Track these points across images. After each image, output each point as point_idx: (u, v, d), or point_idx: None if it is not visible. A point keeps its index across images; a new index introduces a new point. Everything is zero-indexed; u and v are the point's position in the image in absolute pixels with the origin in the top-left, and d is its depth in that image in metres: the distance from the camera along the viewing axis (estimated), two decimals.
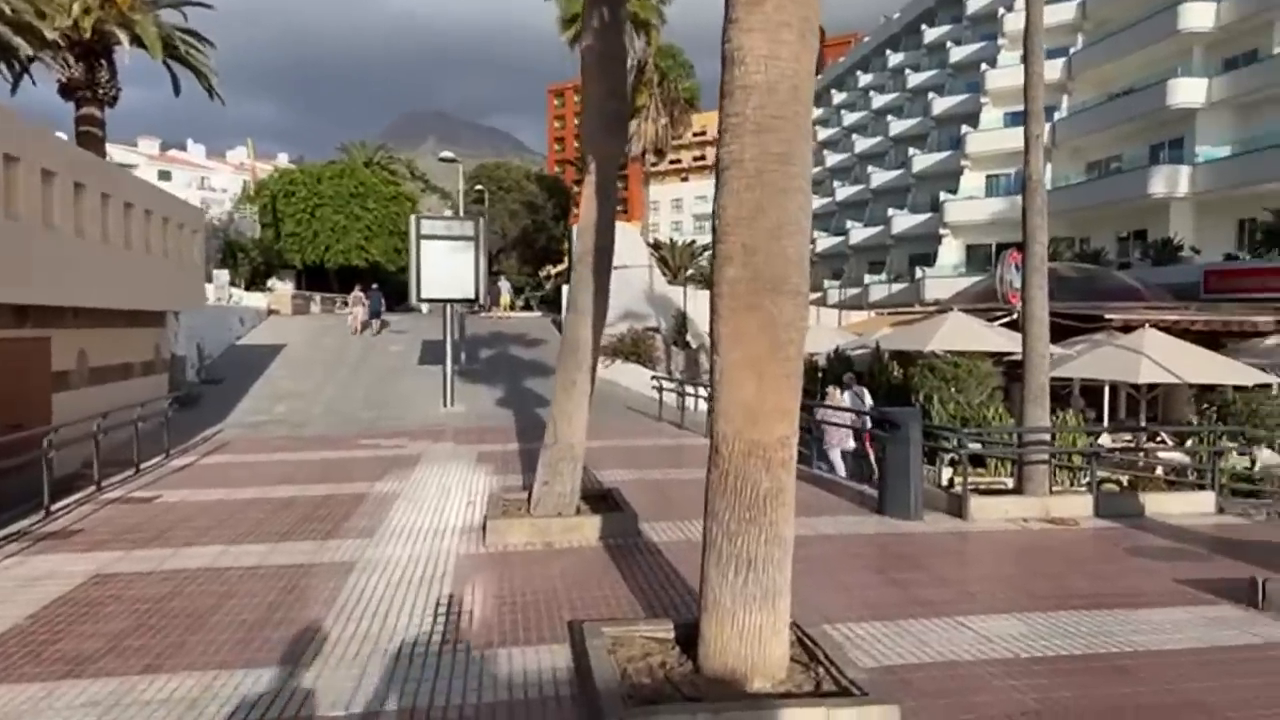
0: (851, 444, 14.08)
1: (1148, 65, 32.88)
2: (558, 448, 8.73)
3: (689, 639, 5.02)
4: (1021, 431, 10.59)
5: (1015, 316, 20.97)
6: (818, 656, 4.97)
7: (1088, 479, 10.93)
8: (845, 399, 15.11)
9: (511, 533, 8.38)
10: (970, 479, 11.86)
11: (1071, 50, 37.34)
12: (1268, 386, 15.03)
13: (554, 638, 5.79)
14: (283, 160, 76.03)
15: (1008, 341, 17.38)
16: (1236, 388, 14.92)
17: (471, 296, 19.43)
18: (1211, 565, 7.60)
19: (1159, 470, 13.81)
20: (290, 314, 34.93)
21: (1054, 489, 10.64)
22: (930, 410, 14.86)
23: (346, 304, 33.93)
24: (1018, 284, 21.19)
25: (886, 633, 5.86)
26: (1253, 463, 14.02)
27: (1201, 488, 12.45)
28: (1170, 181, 29.90)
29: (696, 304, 30.89)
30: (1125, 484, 13.42)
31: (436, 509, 9.89)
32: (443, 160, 37.48)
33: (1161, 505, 9.83)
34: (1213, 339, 18.34)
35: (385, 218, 47.88)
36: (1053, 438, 11.23)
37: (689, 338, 28.25)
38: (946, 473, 13.27)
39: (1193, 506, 9.91)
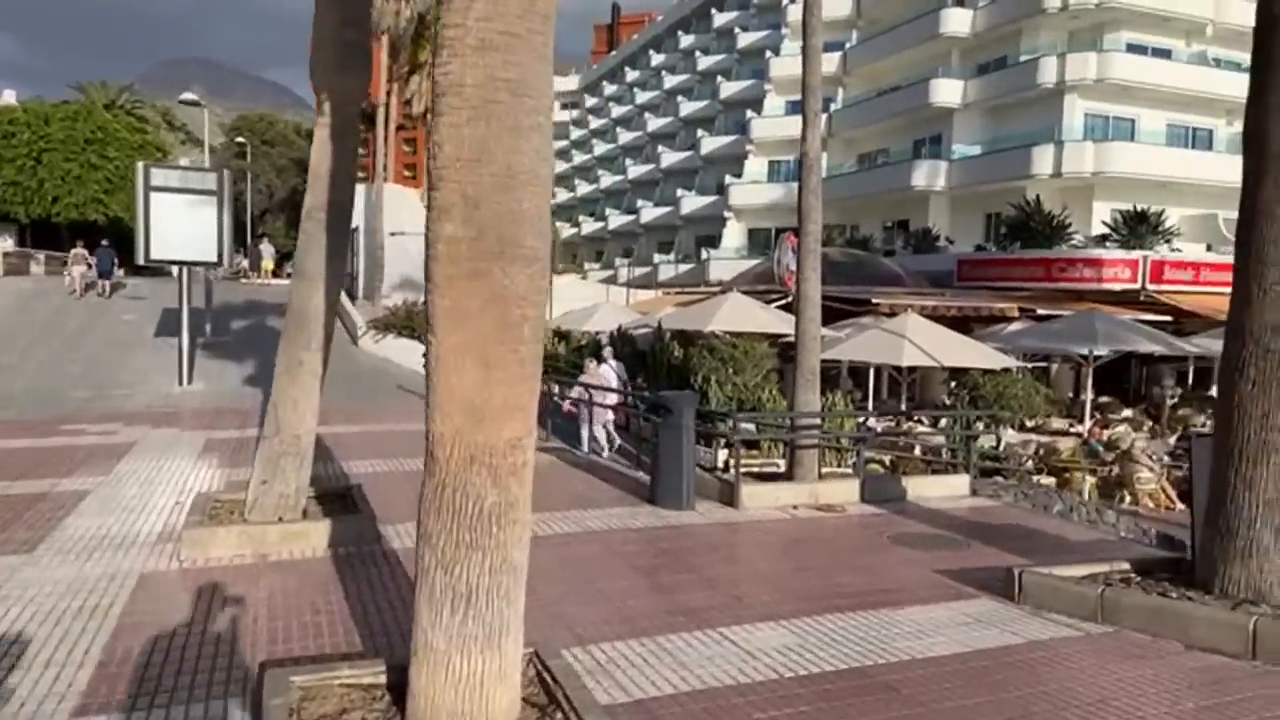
0: (611, 417, 13.64)
1: (913, 64, 35.04)
2: (280, 440, 7.35)
3: (404, 684, 4.02)
4: (793, 416, 10.40)
5: (791, 299, 21.45)
6: (557, 698, 4.13)
7: (854, 460, 11.01)
8: (603, 372, 14.63)
9: (216, 544, 6.93)
10: (745, 461, 11.66)
11: (847, 45, 39.18)
12: (1010, 370, 16.10)
13: (235, 688, 4.57)
14: (10, 98, 65.64)
15: (783, 323, 17.61)
16: (985, 371, 15.84)
17: (213, 259, 17.04)
18: (970, 554, 7.58)
19: (918, 450, 14.37)
20: (0, 274, 29.86)
21: (824, 472, 10.60)
22: (709, 392, 14.67)
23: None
24: (794, 267, 21.71)
25: (644, 654, 5.13)
26: (998, 441, 14.93)
27: (955, 468, 13.00)
28: (930, 176, 32.08)
29: None
30: (889, 464, 13.82)
31: (131, 513, 8.15)
32: (184, 104, 33.30)
33: (922, 489, 9.94)
34: (964, 324, 19.59)
35: (130, 169, 42.24)
36: (823, 421, 11.18)
37: None
38: (723, 454, 13.07)
39: (950, 490, 10.12)
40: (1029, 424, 16.82)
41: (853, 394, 17.88)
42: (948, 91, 32.62)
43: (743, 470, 9.68)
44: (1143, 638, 5.54)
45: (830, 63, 37.09)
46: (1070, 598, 5.98)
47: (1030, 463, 15.08)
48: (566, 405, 14.09)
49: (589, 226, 60.04)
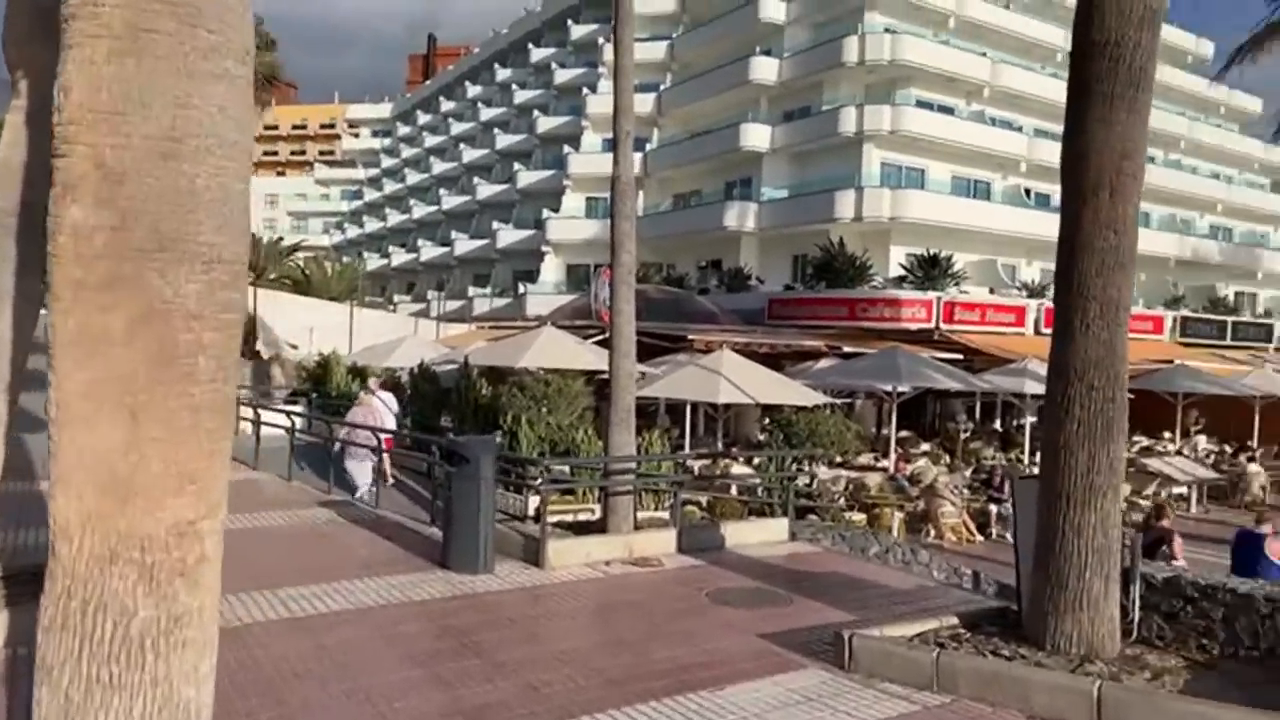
0: (376, 459, 12.32)
1: (724, 109, 35.97)
2: None
3: None
4: (607, 461, 9.54)
5: (607, 334, 20.84)
6: None
7: (671, 503, 10.28)
8: (374, 404, 13.29)
9: None
10: (559, 508, 10.66)
11: (661, 87, 39.79)
12: (820, 406, 16.13)
13: None
14: None
15: (599, 359, 16.89)
16: (797, 408, 15.75)
17: None
18: (794, 611, 6.93)
19: (734, 489, 13.93)
20: None
21: (640, 519, 9.80)
22: (519, 433, 13.59)
23: None
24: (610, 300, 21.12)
25: None
26: (811, 479, 14.79)
27: (773, 509, 12.62)
28: (741, 217, 32.80)
29: (278, 306, 27.08)
30: (705, 507, 13.26)
31: None
32: None
33: (741, 535, 9.34)
34: (776, 361, 19.69)
35: None
36: (638, 465, 10.39)
37: (259, 345, 24.36)
38: (534, 501, 12.00)
39: (769, 534, 9.58)
40: (838, 459, 16.93)
41: (670, 432, 17.38)
42: (757, 136, 33.61)
43: (555, 520, 8.70)
44: (982, 708, 4.99)
45: (645, 103, 37.53)
46: (903, 664, 5.39)
47: (842, 500, 15.05)
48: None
49: (399, 258, 57.48)
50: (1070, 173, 5.91)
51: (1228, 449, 22.79)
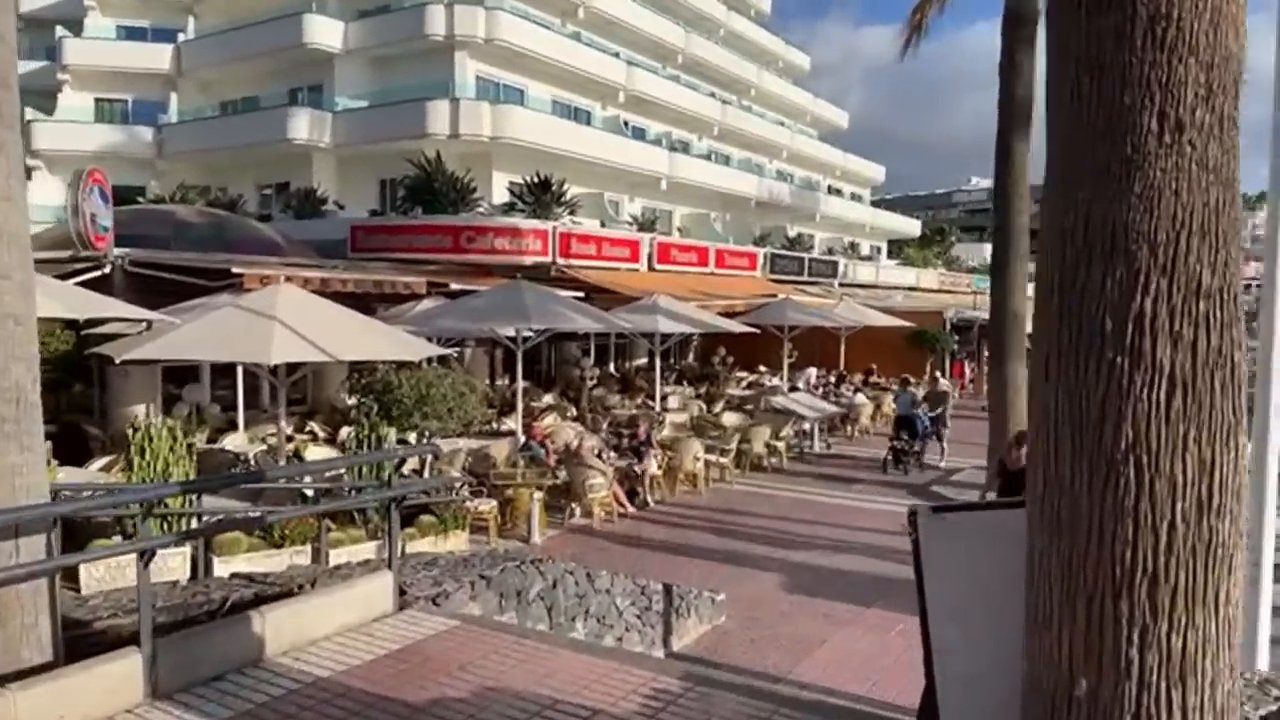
0: None
1: None
2: None
3: None
4: None
5: (108, 267, 14.27)
6: None
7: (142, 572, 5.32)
8: None
9: None
10: None
11: None
12: (432, 361, 11.87)
13: None
14: None
15: (86, 306, 10.78)
16: (399, 365, 11.36)
17: None
18: None
19: (311, 498, 9.16)
20: None
21: (78, 618, 4.84)
22: None
23: None
24: (106, 219, 14.46)
25: None
26: (423, 465, 10.57)
27: (367, 524, 8.26)
28: (312, 128, 26.63)
29: None
30: (271, 534, 8.40)
31: None
32: None
33: (303, 622, 4.82)
34: (365, 302, 14.91)
35: None
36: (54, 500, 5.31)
37: None
38: None
39: (361, 609, 5.15)
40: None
41: (202, 412, 11.93)
42: (325, 32, 27.48)
43: None
44: None
45: None
46: None
47: (465, 487, 11.07)
48: None
49: None
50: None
51: (832, 380, 23.12)
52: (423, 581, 5.76)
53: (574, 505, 12.31)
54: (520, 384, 14.65)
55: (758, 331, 20.10)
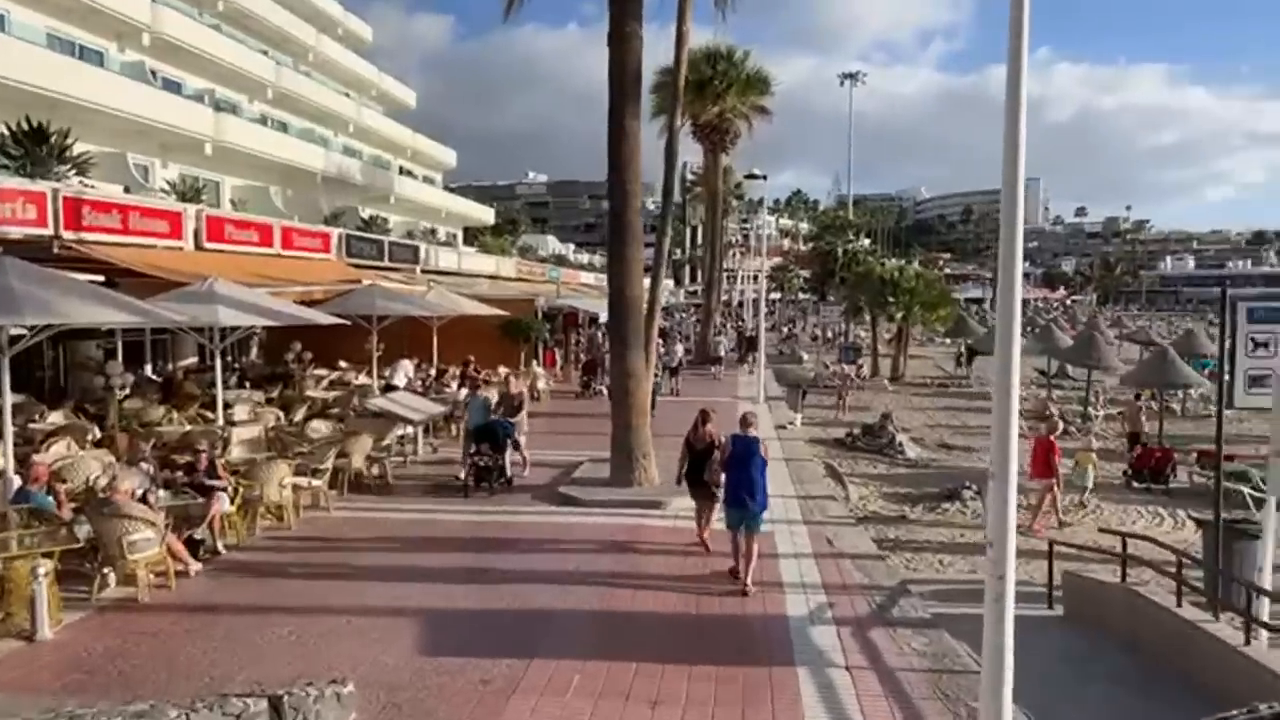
0: None
1: None
2: None
3: None
4: None
5: None
6: None
7: None
8: None
9: None
10: None
11: None
12: None
13: None
14: None
15: None
16: None
17: None
18: None
19: None
20: None
21: None
22: None
23: None
24: None
25: None
26: None
27: None
28: None
29: None
30: None
31: None
32: None
33: None
34: None
35: None
36: None
37: None
38: None
39: None
40: None
41: None
42: None
43: None
44: None
45: None
46: None
47: None
48: None
49: None
50: None
51: (432, 374, 21.02)
52: None
53: (107, 572, 8.78)
54: (6, 400, 10.21)
55: (347, 323, 17.31)
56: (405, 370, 19.63)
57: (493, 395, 15.51)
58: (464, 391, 17.82)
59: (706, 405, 10.92)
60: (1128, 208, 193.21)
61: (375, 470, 13.87)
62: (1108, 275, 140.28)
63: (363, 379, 20.95)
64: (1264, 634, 7.65)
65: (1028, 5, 4.77)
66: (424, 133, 49.42)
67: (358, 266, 27.12)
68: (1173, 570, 9.16)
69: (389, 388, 18.48)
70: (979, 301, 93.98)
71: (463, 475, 13.43)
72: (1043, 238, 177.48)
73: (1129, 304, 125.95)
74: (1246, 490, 15.56)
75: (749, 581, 8.84)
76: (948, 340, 42.55)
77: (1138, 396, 23.41)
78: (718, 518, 9.75)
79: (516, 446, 13.95)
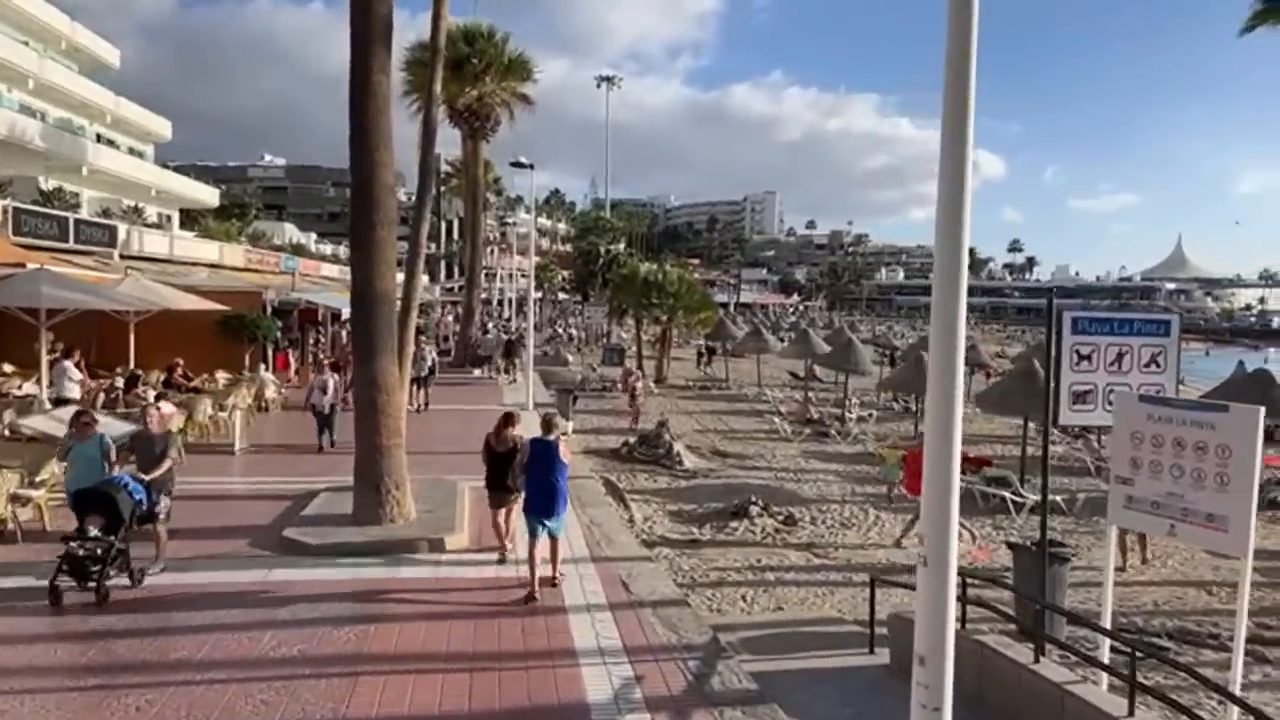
0: None
1: None
2: None
3: None
4: None
5: None
6: None
7: None
8: None
9: None
10: None
11: None
12: None
13: None
14: None
15: None
16: None
17: None
18: None
19: None
20: None
21: None
22: None
23: None
24: None
25: None
26: None
27: None
28: None
29: None
30: None
31: None
32: None
33: None
34: None
35: None
36: None
37: None
38: None
39: None
40: None
41: None
42: None
43: None
44: None
45: None
46: None
47: None
48: None
49: None
50: None
51: (118, 380, 17.00)
52: None
53: None
54: None
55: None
56: (69, 374, 15.60)
57: (124, 428, 11.31)
58: (165, 405, 14.00)
59: (507, 411, 9.91)
60: (849, 222, 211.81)
61: (27, 515, 10.40)
62: (835, 283, 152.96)
63: (28, 388, 16.62)
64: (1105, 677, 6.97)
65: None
66: (133, 98, 42.55)
67: (30, 248, 21.99)
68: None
69: (61, 401, 14.58)
70: (725, 306, 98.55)
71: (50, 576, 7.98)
72: (778, 247, 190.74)
73: (852, 310, 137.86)
74: (1008, 495, 16.04)
75: (558, 573, 8.89)
76: (704, 343, 43.23)
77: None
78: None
79: (154, 519, 8.89)
